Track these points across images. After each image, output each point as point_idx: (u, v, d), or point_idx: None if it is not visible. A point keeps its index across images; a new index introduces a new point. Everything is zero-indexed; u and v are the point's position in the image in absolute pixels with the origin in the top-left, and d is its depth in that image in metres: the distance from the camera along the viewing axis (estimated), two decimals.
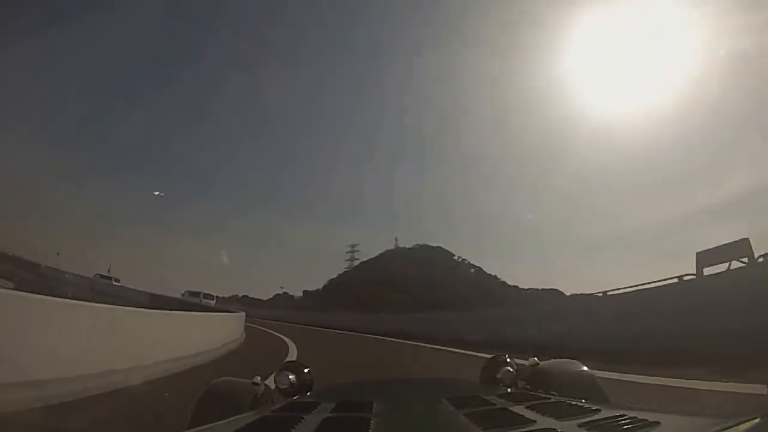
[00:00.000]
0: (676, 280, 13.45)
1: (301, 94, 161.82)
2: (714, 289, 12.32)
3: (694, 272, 14.38)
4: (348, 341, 25.39)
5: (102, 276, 57.24)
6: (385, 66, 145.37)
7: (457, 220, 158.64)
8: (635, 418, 1.19)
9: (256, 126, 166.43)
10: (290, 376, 2.32)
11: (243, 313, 25.28)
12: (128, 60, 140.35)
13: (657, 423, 1.14)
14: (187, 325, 13.06)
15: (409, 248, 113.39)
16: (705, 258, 14.60)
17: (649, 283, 14.17)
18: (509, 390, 2.06)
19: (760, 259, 13.06)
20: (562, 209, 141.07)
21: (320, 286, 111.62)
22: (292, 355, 15.62)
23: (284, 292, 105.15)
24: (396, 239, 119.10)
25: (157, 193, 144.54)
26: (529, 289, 79.50)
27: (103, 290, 42.93)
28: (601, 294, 16.06)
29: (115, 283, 55.83)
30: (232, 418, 1.55)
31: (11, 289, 15.90)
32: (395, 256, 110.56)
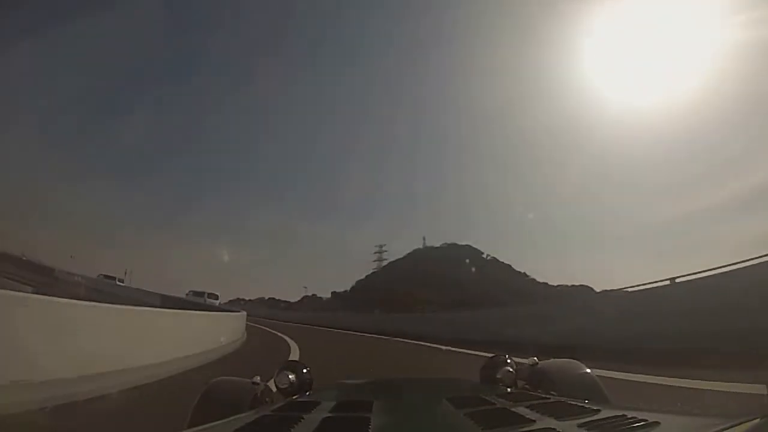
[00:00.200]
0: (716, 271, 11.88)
1: (326, 94, 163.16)
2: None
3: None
4: (379, 353, 18.63)
5: (106, 276, 57.59)
6: (410, 64, 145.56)
7: (485, 218, 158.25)
8: (635, 418, 1.20)
9: (281, 127, 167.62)
10: (290, 376, 2.32)
11: (244, 313, 25.45)
12: (147, 59, 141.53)
13: (657, 423, 1.15)
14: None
15: (437, 247, 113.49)
16: None
17: (683, 276, 12.57)
18: (509, 390, 2.07)
19: None
20: (592, 205, 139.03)
21: (348, 288, 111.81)
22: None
23: (312, 294, 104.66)
24: (424, 239, 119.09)
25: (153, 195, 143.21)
26: (558, 285, 78.95)
27: (113, 291, 42.64)
28: (632, 289, 14.88)
29: (119, 283, 56.30)
30: (231, 418, 1.55)
31: (31, 293, 16.08)
32: (423, 255, 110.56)
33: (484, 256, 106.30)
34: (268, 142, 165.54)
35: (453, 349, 16.09)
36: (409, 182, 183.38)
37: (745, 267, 11.14)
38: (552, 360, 2.48)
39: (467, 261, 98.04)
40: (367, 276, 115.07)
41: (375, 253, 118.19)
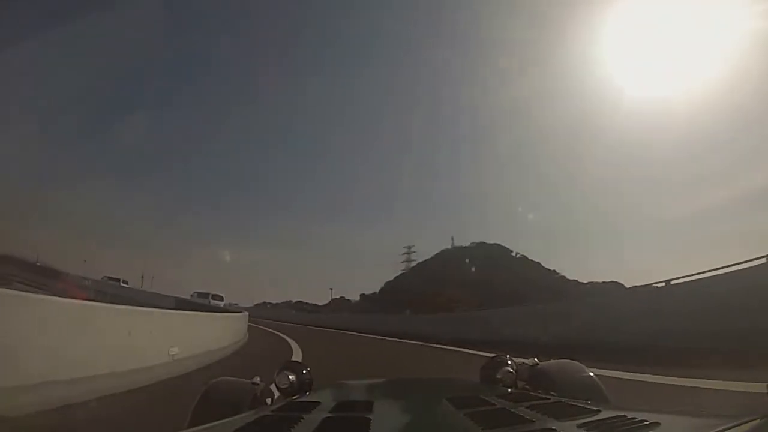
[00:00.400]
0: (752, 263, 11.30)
1: (347, 94, 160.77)
2: None
3: None
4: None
5: (110, 278, 57.89)
6: (429, 63, 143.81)
7: (512, 216, 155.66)
8: (635, 418, 1.20)
9: (303, 129, 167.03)
10: (290, 376, 2.32)
11: (245, 314, 25.44)
12: (161, 60, 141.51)
13: (657, 423, 1.15)
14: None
15: (466, 247, 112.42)
16: None
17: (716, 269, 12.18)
18: (509, 390, 2.08)
19: None
20: (620, 200, 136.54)
21: (377, 289, 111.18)
22: None
23: (341, 297, 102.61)
24: (452, 238, 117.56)
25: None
26: (588, 282, 77.76)
27: (123, 294, 42.80)
28: (663, 284, 14.13)
29: (123, 284, 56.60)
30: (231, 418, 1.56)
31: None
32: (452, 255, 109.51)
33: (513, 254, 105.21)
34: (292, 145, 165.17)
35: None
36: (435, 182, 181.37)
37: None
38: (552, 360, 2.49)
39: (496, 259, 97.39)
40: (395, 277, 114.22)
41: (403, 254, 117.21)
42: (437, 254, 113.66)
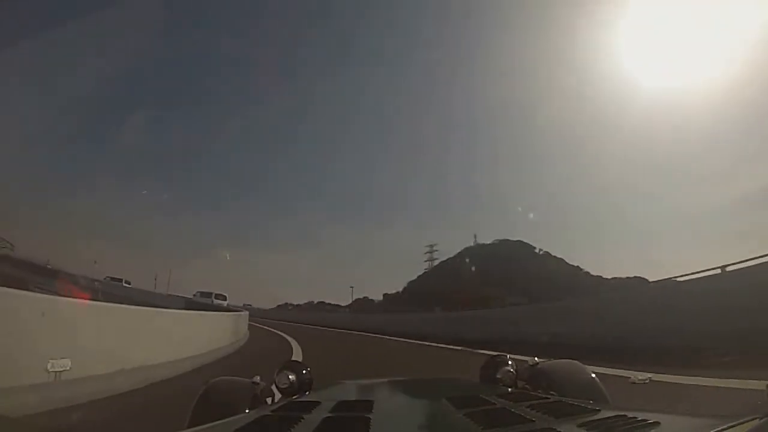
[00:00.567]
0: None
1: (366, 95, 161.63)
2: None
3: None
4: None
5: (112, 279, 58.30)
6: (445, 61, 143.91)
7: (535, 212, 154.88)
8: (635, 418, 1.20)
9: (322, 131, 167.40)
10: (290, 376, 2.32)
11: (245, 313, 25.39)
12: (177, 63, 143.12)
13: (657, 423, 1.15)
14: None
15: (489, 244, 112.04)
16: None
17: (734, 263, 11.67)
18: (509, 390, 2.08)
19: None
20: (643, 194, 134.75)
21: (400, 289, 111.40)
22: None
23: (364, 297, 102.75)
24: (475, 236, 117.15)
25: (144, 192, 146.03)
26: (613, 278, 76.75)
27: (123, 294, 41.70)
28: (685, 278, 13.66)
29: (125, 285, 57.00)
30: (231, 418, 1.56)
31: None
32: (475, 253, 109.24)
33: (537, 250, 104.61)
34: (313, 146, 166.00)
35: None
36: (456, 180, 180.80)
37: None
38: (552, 360, 2.48)
39: (519, 256, 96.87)
40: (418, 276, 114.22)
41: (426, 253, 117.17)
42: (460, 252, 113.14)
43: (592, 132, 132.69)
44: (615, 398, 2.25)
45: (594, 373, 2.32)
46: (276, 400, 2.23)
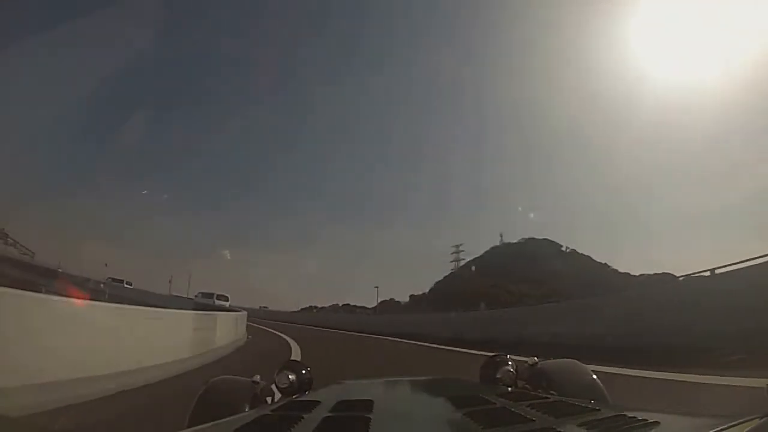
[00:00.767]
0: None
1: (387, 95, 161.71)
2: None
3: None
4: None
5: (114, 280, 59.07)
6: (466, 59, 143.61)
7: (560, 210, 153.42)
8: (635, 417, 1.21)
9: (343, 132, 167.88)
10: (290, 375, 2.32)
11: (244, 313, 25.35)
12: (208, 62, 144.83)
13: (656, 423, 1.16)
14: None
15: (515, 243, 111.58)
16: None
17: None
18: (509, 389, 2.08)
19: None
20: (669, 187, 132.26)
21: (426, 290, 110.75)
22: None
23: (390, 298, 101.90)
24: (501, 235, 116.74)
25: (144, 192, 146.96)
26: (640, 275, 75.69)
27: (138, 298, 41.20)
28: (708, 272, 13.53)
29: (126, 286, 57.88)
30: (231, 417, 1.57)
31: None
32: (501, 252, 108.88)
33: (563, 248, 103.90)
34: (334, 150, 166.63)
35: None
36: (480, 180, 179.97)
37: None
38: (552, 360, 2.49)
39: (546, 254, 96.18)
40: (445, 277, 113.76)
41: (452, 253, 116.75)
42: (486, 251, 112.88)
43: (618, 126, 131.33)
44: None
45: (594, 372, 2.31)
46: (276, 400, 2.22)
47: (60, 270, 53.81)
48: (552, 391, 2.10)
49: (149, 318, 10.48)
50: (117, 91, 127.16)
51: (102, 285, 49.25)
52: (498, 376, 2.40)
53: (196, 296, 54.26)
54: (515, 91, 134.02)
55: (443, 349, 18.93)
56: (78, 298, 9.56)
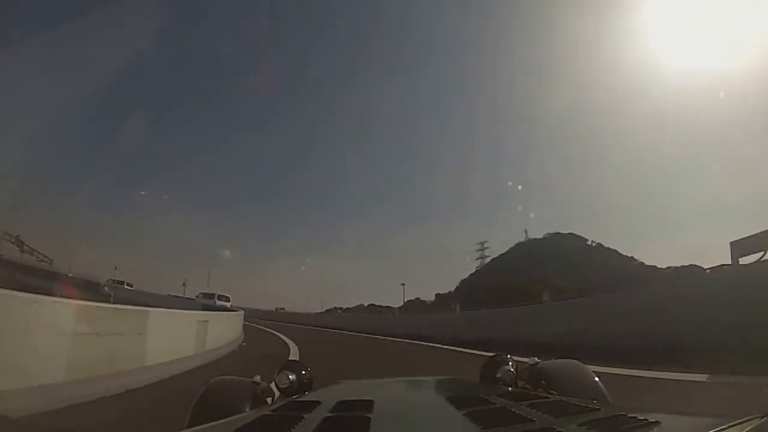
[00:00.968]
0: None
1: (411, 96, 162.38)
2: None
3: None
4: None
5: (115, 281, 59.52)
6: (499, 57, 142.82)
7: (584, 205, 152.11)
8: (635, 417, 1.20)
9: (366, 135, 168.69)
10: (290, 376, 2.32)
11: (241, 312, 25.31)
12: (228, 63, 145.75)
13: (657, 423, 1.15)
14: None
15: (540, 238, 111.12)
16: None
17: None
18: (509, 389, 2.07)
19: None
20: (695, 178, 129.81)
21: (452, 288, 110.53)
22: None
23: (416, 298, 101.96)
24: (526, 231, 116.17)
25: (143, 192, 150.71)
26: (667, 267, 74.69)
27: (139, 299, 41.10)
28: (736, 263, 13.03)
29: (127, 287, 58.36)
30: (231, 417, 1.57)
31: None
32: (527, 248, 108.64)
33: (589, 243, 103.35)
34: (357, 152, 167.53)
35: None
36: (504, 177, 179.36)
37: None
38: (552, 360, 2.49)
39: (572, 249, 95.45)
40: (470, 275, 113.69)
41: (477, 251, 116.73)
42: (512, 248, 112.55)
43: (639, 118, 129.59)
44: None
45: (594, 372, 2.30)
46: (276, 400, 2.23)
47: (70, 274, 55.38)
48: (552, 391, 2.11)
49: None
50: (128, 91, 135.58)
51: (106, 288, 50.30)
52: (498, 375, 2.40)
53: (197, 297, 54.29)
54: (537, 89, 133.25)
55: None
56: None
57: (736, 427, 1.04)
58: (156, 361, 9.45)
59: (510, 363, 2.45)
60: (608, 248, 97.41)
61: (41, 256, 68.69)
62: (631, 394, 6.37)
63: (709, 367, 8.07)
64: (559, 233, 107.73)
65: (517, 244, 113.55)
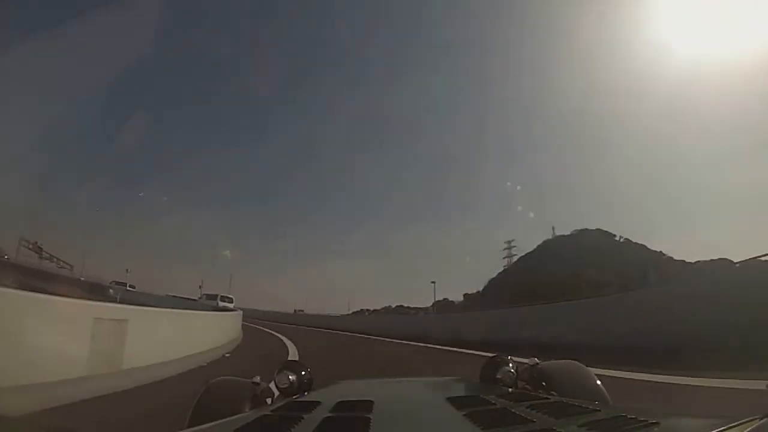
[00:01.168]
0: None
1: (434, 96, 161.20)
2: None
3: None
4: None
5: (117, 283, 59.87)
6: (520, 55, 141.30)
7: (611, 199, 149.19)
8: (635, 418, 1.20)
9: (386, 134, 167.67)
10: (290, 376, 2.32)
11: (239, 312, 25.22)
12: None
13: (657, 423, 1.16)
14: None
15: (568, 235, 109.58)
16: None
17: None
18: (509, 390, 2.07)
19: None
20: (724, 168, 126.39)
21: (480, 288, 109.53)
22: None
23: (444, 299, 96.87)
24: (553, 228, 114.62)
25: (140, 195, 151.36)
26: (696, 261, 73.11)
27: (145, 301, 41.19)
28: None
29: (129, 288, 58.17)
30: (231, 417, 1.57)
31: None
32: (554, 245, 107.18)
33: (617, 238, 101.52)
34: (383, 151, 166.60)
35: None
36: (529, 174, 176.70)
37: None
38: (552, 360, 2.49)
39: (600, 245, 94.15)
40: (498, 274, 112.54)
41: (504, 249, 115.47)
42: (539, 245, 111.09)
43: (661, 113, 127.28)
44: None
45: (594, 373, 2.31)
46: (276, 400, 2.23)
47: (83, 279, 57.21)
48: (552, 392, 2.11)
49: None
50: (128, 93, 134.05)
51: (111, 291, 50.52)
52: (498, 376, 2.40)
53: (200, 298, 54.49)
54: (558, 87, 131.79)
55: None
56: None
57: (736, 428, 1.04)
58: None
59: (510, 364, 2.45)
60: (636, 243, 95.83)
61: (61, 262, 69.91)
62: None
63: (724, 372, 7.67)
64: (586, 229, 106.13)
65: (544, 242, 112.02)
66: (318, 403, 1.63)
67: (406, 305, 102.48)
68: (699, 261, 70.17)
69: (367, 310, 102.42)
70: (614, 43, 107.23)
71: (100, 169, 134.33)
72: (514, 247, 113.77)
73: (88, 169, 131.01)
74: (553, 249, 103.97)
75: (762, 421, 1.06)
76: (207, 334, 14.18)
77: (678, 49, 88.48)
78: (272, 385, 2.35)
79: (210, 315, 17.98)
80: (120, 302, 19.84)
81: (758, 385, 5.99)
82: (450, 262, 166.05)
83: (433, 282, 76.96)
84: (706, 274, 36.04)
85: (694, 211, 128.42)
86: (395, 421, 1.52)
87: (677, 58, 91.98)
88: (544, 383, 2.28)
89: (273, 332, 29.79)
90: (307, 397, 2.10)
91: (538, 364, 2.43)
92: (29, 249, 66.59)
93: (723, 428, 1.04)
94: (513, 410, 1.37)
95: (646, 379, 8.60)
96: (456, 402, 1.55)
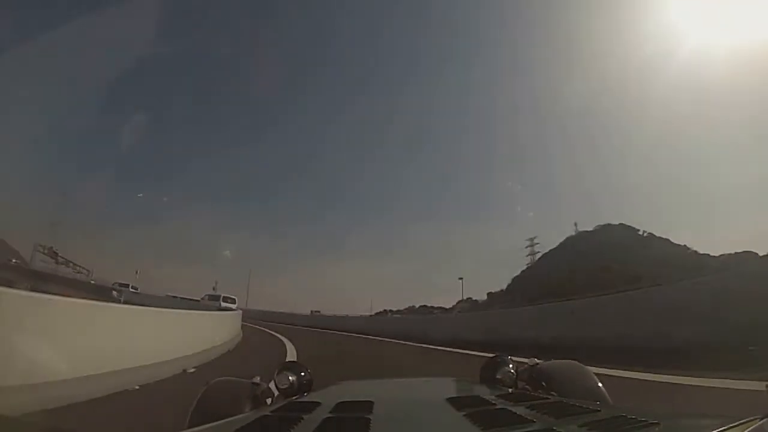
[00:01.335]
0: None
1: (456, 94, 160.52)
2: None
3: None
4: None
5: (119, 284, 59.97)
6: (535, 54, 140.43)
7: (633, 194, 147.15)
8: (635, 418, 1.21)
9: (404, 134, 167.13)
10: (290, 377, 2.33)
11: (239, 312, 25.30)
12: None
13: (657, 423, 1.16)
14: None
15: (591, 230, 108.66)
16: None
17: None
18: (509, 390, 2.07)
19: None
20: (747, 159, 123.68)
21: (504, 286, 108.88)
22: None
23: (467, 298, 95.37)
24: (575, 224, 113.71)
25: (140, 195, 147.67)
26: (721, 255, 71.98)
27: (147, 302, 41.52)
28: None
29: (131, 290, 58.38)
30: (231, 418, 1.58)
31: None
32: (577, 241, 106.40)
33: (641, 233, 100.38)
34: (408, 152, 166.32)
35: None
36: (552, 171, 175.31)
37: None
38: (552, 361, 2.48)
39: (623, 240, 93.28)
40: (522, 272, 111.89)
41: (527, 247, 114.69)
42: (562, 242, 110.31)
43: (681, 103, 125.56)
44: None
45: (594, 373, 2.30)
46: (276, 401, 2.24)
47: (93, 282, 58.91)
48: (552, 392, 2.11)
49: None
50: (130, 93, 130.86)
51: (115, 292, 50.42)
52: (498, 377, 2.41)
53: (202, 299, 54.62)
54: (576, 83, 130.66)
55: None
56: None
57: (736, 428, 1.04)
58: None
59: (510, 364, 2.47)
60: (660, 237, 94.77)
61: (78, 267, 70.77)
62: None
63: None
64: (609, 224, 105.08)
65: (567, 238, 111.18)
66: (318, 403, 1.63)
67: (429, 305, 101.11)
68: (723, 254, 69.40)
69: (390, 310, 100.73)
70: (632, 33, 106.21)
71: (106, 171, 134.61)
72: (537, 244, 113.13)
73: (95, 171, 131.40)
74: (575, 245, 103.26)
75: (762, 421, 1.06)
76: (158, 340, 10.05)
77: (702, 37, 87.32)
78: (272, 386, 2.35)
79: (182, 312, 13.89)
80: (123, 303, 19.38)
81: (758, 385, 5.66)
82: (472, 260, 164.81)
83: (461, 278, 76.29)
84: (731, 268, 34.83)
85: (717, 204, 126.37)
86: (395, 421, 1.51)
87: (699, 46, 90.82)
88: (543, 383, 2.28)
89: (280, 336, 25.45)
90: (307, 397, 2.10)
91: (537, 364, 2.43)
92: (44, 254, 67.54)
93: (723, 428, 1.04)
94: (513, 410, 1.37)
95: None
96: (456, 402, 1.55)
